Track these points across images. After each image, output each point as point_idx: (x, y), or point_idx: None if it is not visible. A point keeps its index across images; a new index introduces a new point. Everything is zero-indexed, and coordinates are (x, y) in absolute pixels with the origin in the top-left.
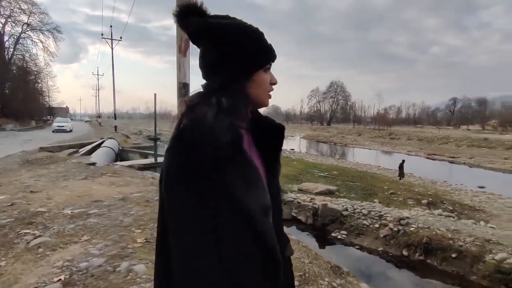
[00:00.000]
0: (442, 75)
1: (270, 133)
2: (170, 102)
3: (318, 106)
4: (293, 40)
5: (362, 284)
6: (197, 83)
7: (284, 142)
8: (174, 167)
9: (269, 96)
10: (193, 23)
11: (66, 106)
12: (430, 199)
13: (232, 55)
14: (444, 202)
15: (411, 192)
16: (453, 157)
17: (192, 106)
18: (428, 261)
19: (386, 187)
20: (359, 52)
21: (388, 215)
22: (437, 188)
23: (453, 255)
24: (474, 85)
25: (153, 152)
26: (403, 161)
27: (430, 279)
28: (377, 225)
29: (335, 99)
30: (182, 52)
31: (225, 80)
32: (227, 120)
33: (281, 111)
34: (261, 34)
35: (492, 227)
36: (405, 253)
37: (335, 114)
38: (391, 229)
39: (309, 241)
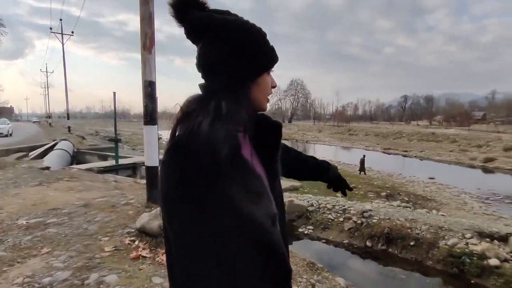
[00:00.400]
0: (395, 74)
1: (266, 132)
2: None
3: (280, 104)
4: None
5: (338, 279)
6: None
7: None
8: (172, 181)
9: (268, 100)
10: (195, 17)
11: (11, 106)
12: (388, 191)
13: (239, 55)
14: (401, 193)
15: (370, 185)
16: (406, 151)
17: (187, 113)
18: (390, 250)
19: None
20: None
21: (351, 208)
22: (393, 180)
23: (412, 243)
24: (422, 83)
25: (113, 153)
26: (364, 156)
27: (392, 267)
28: (341, 219)
29: (296, 97)
30: (147, 49)
31: (229, 81)
32: (224, 128)
33: None
34: (265, 35)
35: (443, 215)
36: (368, 244)
37: (296, 111)
38: (355, 222)
39: None
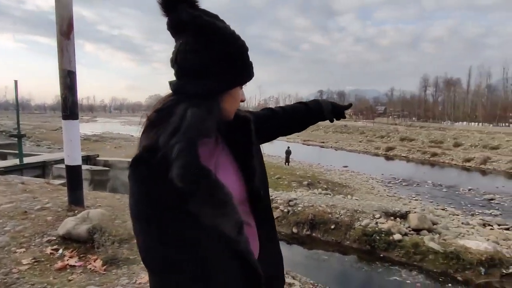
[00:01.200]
0: (312, 70)
1: (237, 128)
2: (28, 90)
3: None
4: None
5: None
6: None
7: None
8: (133, 199)
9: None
10: (187, 13)
11: None
12: (310, 180)
13: (223, 64)
14: (320, 182)
15: (293, 175)
16: (323, 142)
17: (152, 123)
18: (314, 234)
19: (272, 173)
20: None
21: (278, 198)
22: (314, 170)
23: (332, 227)
24: (336, 79)
25: (15, 151)
26: (289, 147)
27: (316, 249)
28: None
29: None
30: (65, 34)
31: (206, 88)
32: (181, 143)
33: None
34: (248, 50)
35: (357, 199)
36: (295, 230)
37: None
38: (282, 210)
39: None
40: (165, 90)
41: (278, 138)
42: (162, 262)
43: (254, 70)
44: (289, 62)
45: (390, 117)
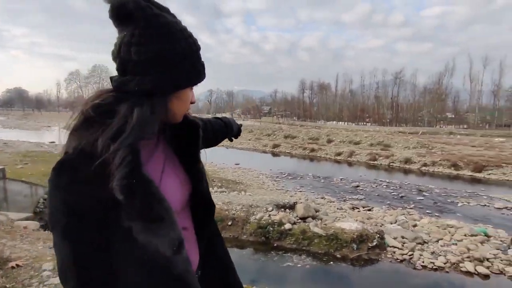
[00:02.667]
0: None
1: (185, 132)
2: None
3: (80, 91)
4: (42, 9)
5: None
6: None
7: (38, 133)
8: (54, 207)
9: (183, 115)
10: (132, 2)
11: None
12: None
13: (173, 61)
14: (215, 180)
15: None
16: None
17: (87, 120)
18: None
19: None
20: None
21: None
22: (207, 169)
23: (229, 223)
24: (225, 79)
25: None
26: None
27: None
28: None
29: (101, 85)
30: None
31: (152, 86)
32: (128, 148)
33: (28, 96)
34: (200, 48)
35: (250, 195)
36: None
37: None
38: None
39: None
40: (27, 83)
41: None
42: (76, 281)
43: None
44: None
45: (275, 116)
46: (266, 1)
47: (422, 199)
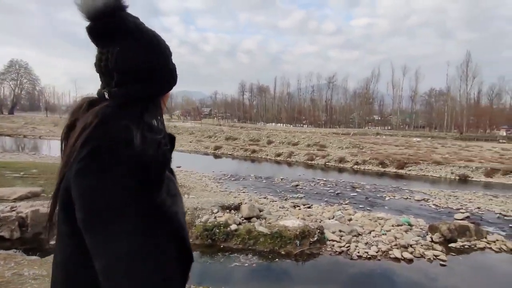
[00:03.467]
0: None
1: None
2: None
3: None
4: None
5: None
6: None
7: None
8: (100, 193)
9: None
10: (129, 19)
11: None
12: None
13: (165, 68)
14: None
15: None
16: None
17: (106, 119)
18: None
19: None
20: (45, 30)
21: None
22: None
23: None
24: None
25: None
26: None
27: None
28: None
29: (18, 82)
30: None
31: (157, 89)
32: (156, 139)
33: None
34: (172, 53)
35: (194, 197)
36: None
37: (20, 100)
38: None
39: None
40: None
41: None
42: (135, 253)
43: (69, 62)
44: None
45: (215, 118)
46: (205, 2)
47: (356, 195)
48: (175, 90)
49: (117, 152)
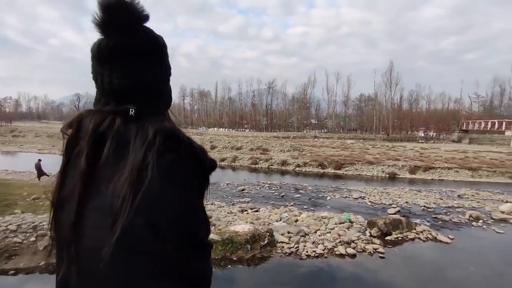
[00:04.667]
0: (65, 69)
1: None
2: None
3: None
4: None
5: None
6: None
7: None
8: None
9: None
10: (152, 34)
11: None
12: None
13: (169, 78)
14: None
15: None
16: None
17: (176, 133)
18: None
19: (26, 193)
20: None
21: (44, 223)
22: None
23: None
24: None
25: None
26: (40, 160)
27: None
28: (33, 239)
29: None
30: None
31: (169, 102)
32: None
33: None
34: None
35: None
36: None
37: None
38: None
39: None
40: None
41: (27, 150)
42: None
43: None
44: (33, 57)
45: None
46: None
47: (299, 196)
48: None
49: (196, 160)
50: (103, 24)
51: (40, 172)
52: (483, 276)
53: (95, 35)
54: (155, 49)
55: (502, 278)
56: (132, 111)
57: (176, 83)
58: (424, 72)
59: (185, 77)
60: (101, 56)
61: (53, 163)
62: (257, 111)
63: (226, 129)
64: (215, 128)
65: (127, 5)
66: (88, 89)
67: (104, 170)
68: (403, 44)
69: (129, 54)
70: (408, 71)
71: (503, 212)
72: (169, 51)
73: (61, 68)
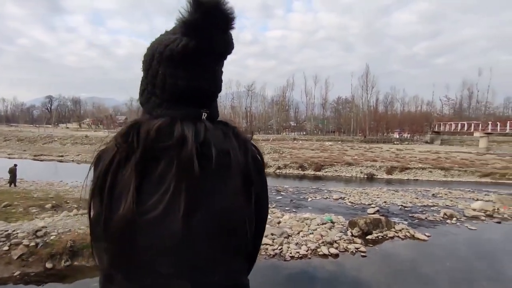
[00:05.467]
0: (35, 70)
1: None
2: None
3: None
4: None
5: None
6: None
7: None
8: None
9: None
10: (231, 35)
11: None
12: (54, 202)
13: None
14: (68, 201)
15: (30, 199)
16: (61, 156)
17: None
18: (76, 263)
19: None
20: None
21: (18, 231)
22: (57, 189)
23: None
24: (69, 85)
25: None
26: (15, 165)
27: (83, 279)
28: (6, 248)
29: None
30: None
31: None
32: None
33: None
34: None
35: None
36: (49, 265)
37: None
38: (27, 245)
39: None
40: None
41: None
42: None
43: None
44: (0, 57)
45: None
46: (117, 2)
47: (281, 198)
48: (84, 96)
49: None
50: (196, 25)
51: (14, 178)
52: (458, 270)
53: (70, 36)
54: (230, 52)
55: (475, 271)
56: (204, 115)
57: None
58: (398, 75)
59: None
60: (184, 58)
61: (25, 168)
62: (236, 113)
63: None
64: None
65: (224, 7)
66: (61, 91)
67: (211, 178)
68: (378, 48)
69: (217, 57)
70: (384, 74)
71: (474, 210)
72: (144, 53)
73: (31, 68)
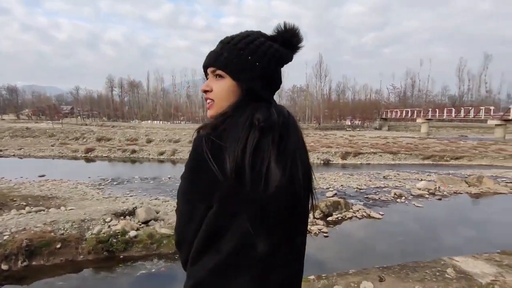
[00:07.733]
0: None
1: None
2: None
3: None
4: None
5: None
6: None
7: None
8: None
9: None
10: None
11: None
12: None
13: None
14: (15, 199)
15: None
16: (0, 150)
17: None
18: (34, 263)
19: None
20: None
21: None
22: (0, 186)
23: (58, 246)
24: (1, 71)
25: None
26: None
27: (42, 280)
28: None
29: None
30: None
31: None
32: None
33: None
34: None
35: (74, 208)
36: (5, 267)
37: None
38: None
39: None
40: None
41: None
42: None
43: None
44: None
45: (79, 117)
46: None
47: None
48: (21, 85)
49: None
50: (295, 44)
51: None
52: (409, 243)
53: (2, 19)
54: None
55: (423, 243)
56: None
57: (102, 73)
58: (349, 65)
59: (113, 66)
60: (284, 63)
61: None
62: (192, 102)
63: (161, 122)
64: (149, 121)
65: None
66: None
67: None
68: (330, 38)
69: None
70: (336, 63)
71: (419, 189)
72: (90, 38)
73: None
